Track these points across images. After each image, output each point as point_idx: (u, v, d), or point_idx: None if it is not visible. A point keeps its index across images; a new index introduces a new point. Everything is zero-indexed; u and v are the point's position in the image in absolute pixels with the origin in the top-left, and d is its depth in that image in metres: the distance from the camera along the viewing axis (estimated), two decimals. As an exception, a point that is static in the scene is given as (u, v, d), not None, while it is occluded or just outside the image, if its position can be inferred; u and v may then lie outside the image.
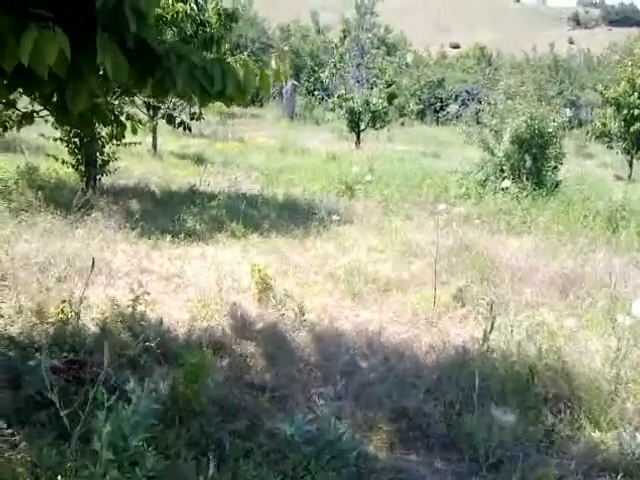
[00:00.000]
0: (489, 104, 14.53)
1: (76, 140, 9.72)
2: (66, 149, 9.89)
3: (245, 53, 13.37)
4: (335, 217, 8.67)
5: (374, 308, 5.66)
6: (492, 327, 4.09)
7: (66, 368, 3.73)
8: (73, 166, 9.95)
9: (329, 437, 3.17)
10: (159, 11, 8.08)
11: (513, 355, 4.49)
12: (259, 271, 5.82)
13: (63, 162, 9.85)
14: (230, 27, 9.50)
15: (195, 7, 8.72)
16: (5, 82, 2.56)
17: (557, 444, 3.60)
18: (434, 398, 3.99)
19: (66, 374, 3.66)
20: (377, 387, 4.03)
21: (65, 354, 4.06)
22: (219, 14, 9.38)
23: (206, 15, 9.37)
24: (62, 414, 2.71)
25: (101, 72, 2.64)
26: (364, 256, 7.22)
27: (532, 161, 12.35)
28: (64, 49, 2.19)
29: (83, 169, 9.95)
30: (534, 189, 11.41)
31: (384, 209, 9.85)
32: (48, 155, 10.33)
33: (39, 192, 8.76)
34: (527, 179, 11.84)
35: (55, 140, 9.78)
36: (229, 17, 9.52)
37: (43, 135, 9.61)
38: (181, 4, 8.36)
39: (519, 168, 12.25)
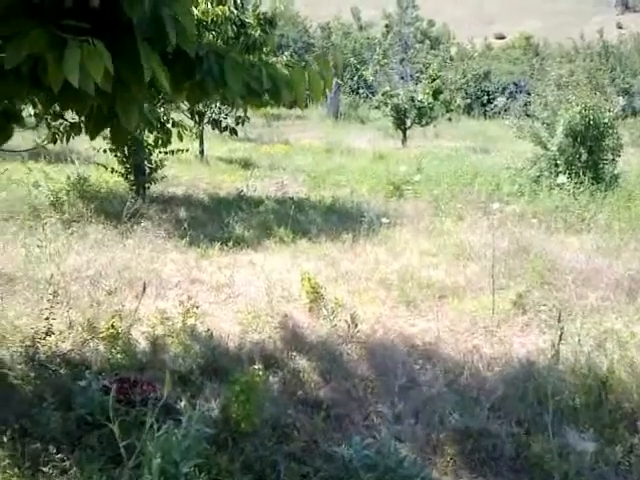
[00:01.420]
0: (539, 96, 14.04)
1: (124, 149, 9.77)
2: (115, 158, 9.97)
3: (287, 53, 13.30)
4: (384, 220, 8.46)
5: (430, 316, 5.44)
6: (561, 337, 3.82)
7: (117, 388, 3.65)
8: (122, 175, 10.02)
9: (390, 462, 2.99)
10: (199, 15, 8.01)
11: (582, 367, 4.21)
12: (309, 280, 5.67)
13: (112, 171, 9.94)
14: (270, 31, 9.38)
15: (235, 10, 8.61)
16: (47, 98, 2.47)
17: (637, 467, 3.33)
18: (499, 416, 3.76)
19: (117, 394, 3.57)
20: (437, 404, 3.82)
21: (116, 372, 4.00)
22: (258, 19, 9.28)
23: (246, 17, 9.28)
24: (120, 445, 2.61)
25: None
26: (416, 260, 6.99)
27: (588, 154, 11.84)
28: (107, 65, 2.08)
29: (132, 178, 10.01)
30: (591, 184, 10.93)
31: (435, 209, 9.58)
32: (98, 164, 10.44)
33: (90, 202, 8.84)
34: (583, 173, 11.35)
35: (105, 151, 9.87)
36: (268, 22, 9.41)
37: (94, 148, 9.69)
38: (220, 7, 8.27)
39: (574, 162, 11.75)
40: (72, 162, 11.28)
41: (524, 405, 3.81)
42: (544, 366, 4.18)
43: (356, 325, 4.95)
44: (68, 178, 9.84)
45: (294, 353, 4.53)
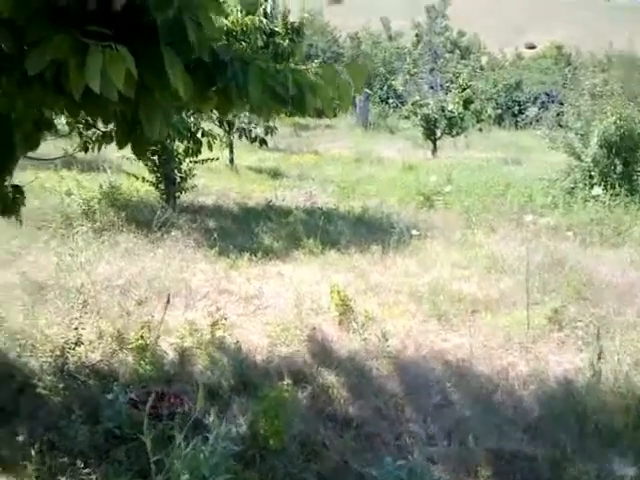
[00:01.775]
0: (572, 106, 13.80)
1: (154, 158, 9.84)
2: (146, 167, 10.03)
3: (317, 61, 13.30)
4: (414, 231, 8.34)
5: (462, 331, 5.31)
6: (600, 356, 3.69)
7: (144, 400, 3.62)
8: (153, 184, 10.08)
9: (422, 485, 2.90)
10: (228, 25, 8.04)
11: (621, 386, 4.06)
12: (338, 292, 5.60)
13: (143, 180, 10.00)
14: (298, 41, 9.41)
15: (264, 19, 8.64)
16: (72, 105, 2.44)
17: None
18: (535, 437, 3.63)
19: (144, 407, 3.54)
20: (471, 424, 3.71)
21: (144, 384, 3.97)
22: (286, 28, 9.31)
23: (275, 26, 9.32)
24: (151, 460, 2.57)
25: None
26: (447, 273, 6.87)
27: (623, 165, 11.59)
28: (130, 69, 2.04)
29: (162, 187, 10.06)
30: (626, 195, 10.69)
31: (466, 221, 9.43)
32: (129, 174, 10.52)
33: (121, 211, 8.90)
34: (619, 185, 11.10)
35: (136, 160, 9.93)
36: (296, 31, 9.43)
37: (125, 157, 9.76)
38: (250, 16, 8.29)
39: (609, 174, 11.51)
40: (104, 171, 11.40)
41: (561, 426, 3.68)
42: (582, 385, 4.04)
43: (386, 339, 4.86)
44: (100, 187, 9.93)
45: (323, 368, 4.45)
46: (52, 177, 10.73)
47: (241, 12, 8.80)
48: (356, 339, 5.02)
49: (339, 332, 5.22)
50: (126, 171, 10.77)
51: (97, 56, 1.97)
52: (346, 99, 3.09)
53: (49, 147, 5.66)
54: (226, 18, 8.64)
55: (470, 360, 4.66)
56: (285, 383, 4.04)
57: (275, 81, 2.76)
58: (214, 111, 9.17)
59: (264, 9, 10.70)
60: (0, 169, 3.03)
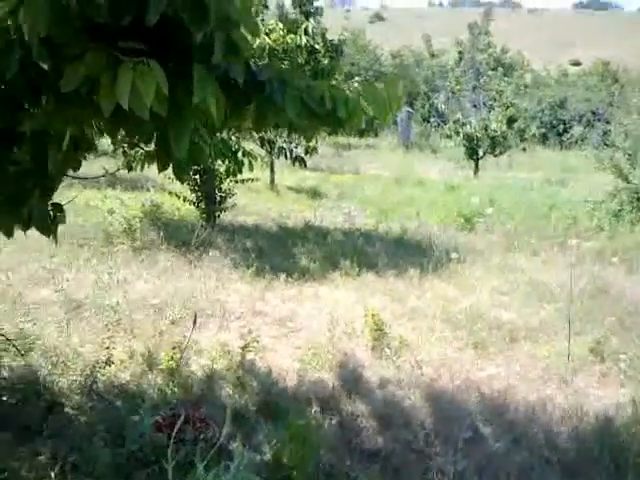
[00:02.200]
0: (620, 124, 13.45)
1: (196, 177, 9.96)
2: (188, 186, 10.15)
3: (357, 78, 13.35)
4: (454, 254, 8.20)
5: (499, 361, 5.16)
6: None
7: (169, 424, 3.60)
8: (193, 203, 10.19)
9: (450, 526, 2.78)
10: (270, 43, 8.10)
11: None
12: (373, 316, 5.52)
13: (184, 199, 10.12)
14: (337, 58, 9.46)
15: (305, 38, 8.70)
16: (107, 124, 2.44)
17: None
18: (573, 477, 3.46)
19: (169, 431, 3.51)
20: (504, 462, 3.56)
21: (171, 406, 3.95)
22: (326, 46, 9.37)
23: (316, 43, 9.38)
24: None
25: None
26: (487, 299, 6.71)
27: (673, 188, 11.21)
28: (161, 85, 2.03)
29: (203, 206, 10.17)
30: (676, 219, 10.32)
31: (507, 244, 9.22)
32: (171, 193, 10.67)
33: (161, 230, 9.01)
34: (669, 208, 10.74)
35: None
36: (335, 49, 9.48)
37: (168, 176, 9.88)
38: (292, 35, 8.36)
39: (659, 196, 11.15)
40: (147, 190, 11.60)
41: (600, 467, 3.50)
42: (623, 424, 3.84)
43: (420, 367, 4.76)
44: (142, 205, 10.10)
45: (353, 395, 4.36)
46: (97, 195, 10.98)
47: (283, 31, 8.89)
48: (389, 366, 4.92)
49: (372, 358, 5.13)
50: (168, 190, 10.93)
51: (127, 71, 1.97)
52: (384, 115, 3.02)
53: (96, 166, 5.78)
54: (268, 36, 8.75)
55: (506, 392, 4.51)
56: (313, 410, 3.98)
57: (311, 98, 2.73)
58: (253, 131, 9.29)
59: (305, 28, 10.82)
60: (39, 188, 3.06)
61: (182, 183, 9.35)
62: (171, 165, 2.90)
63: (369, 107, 2.88)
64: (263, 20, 9.75)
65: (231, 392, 4.31)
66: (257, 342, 4.77)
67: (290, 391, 4.39)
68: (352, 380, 4.60)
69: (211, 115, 2.37)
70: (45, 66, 2.17)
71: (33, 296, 5.99)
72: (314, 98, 2.73)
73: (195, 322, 4.28)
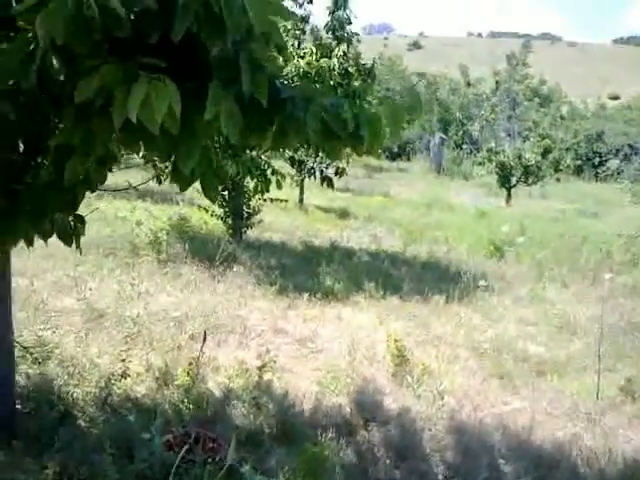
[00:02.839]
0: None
1: (225, 193, 9.97)
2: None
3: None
4: (482, 282, 8.03)
5: (524, 394, 4.97)
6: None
7: (180, 442, 3.50)
8: (221, 218, 10.19)
9: None
10: (304, 67, 8.11)
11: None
12: (395, 341, 5.38)
13: (212, 214, 10.13)
14: (371, 81, 9.44)
15: (337, 61, 8.71)
16: (123, 138, 2.39)
17: None
18: (599, 524, 3.28)
19: (179, 450, 3.42)
20: (526, 502, 3.39)
21: (184, 424, 3.86)
22: (359, 69, 9.37)
23: (349, 66, 9.37)
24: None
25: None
26: (514, 329, 6.52)
27: None
28: (173, 102, 1.97)
29: (230, 221, 10.16)
30: None
31: (537, 275, 9.00)
32: (199, 207, 10.70)
33: (187, 243, 9.00)
34: None
35: (206, 193, 10.07)
36: (367, 72, 9.48)
37: (197, 190, 9.91)
38: (325, 59, 8.36)
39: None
40: (177, 203, 11.66)
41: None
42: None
43: (442, 398, 4.60)
44: (170, 218, 10.14)
45: (371, 423, 4.22)
46: (126, 206, 11.05)
47: (316, 54, 8.92)
48: (410, 394, 4.77)
49: (392, 385, 4.98)
50: (197, 204, 10.96)
51: (142, 86, 1.92)
52: (397, 123, 2.93)
53: (126, 177, 5.79)
54: (302, 58, 8.78)
55: (531, 428, 4.32)
56: (329, 436, 3.86)
57: (333, 117, 2.66)
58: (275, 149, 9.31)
59: (343, 51, 10.85)
60: (63, 201, 3.03)
61: (213, 202, 9.40)
62: (200, 183, 2.85)
63: (389, 124, 2.81)
64: (300, 44, 9.80)
65: (246, 412, 4.20)
66: (275, 362, 4.66)
67: (306, 415, 4.27)
68: (371, 407, 4.46)
69: (229, 133, 2.32)
70: (62, 77, 2.13)
71: (56, 303, 5.97)
72: (336, 116, 2.66)
73: (205, 340, 4.22)
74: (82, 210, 3.20)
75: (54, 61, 2.06)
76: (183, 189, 2.69)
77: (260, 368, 4.49)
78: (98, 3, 1.92)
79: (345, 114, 2.64)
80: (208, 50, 2.17)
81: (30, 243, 3.12)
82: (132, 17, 2.08)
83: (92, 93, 2.01)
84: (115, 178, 3.73)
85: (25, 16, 1.98)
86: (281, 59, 3.72)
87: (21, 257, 6.67)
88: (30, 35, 2.04)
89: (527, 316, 7.07)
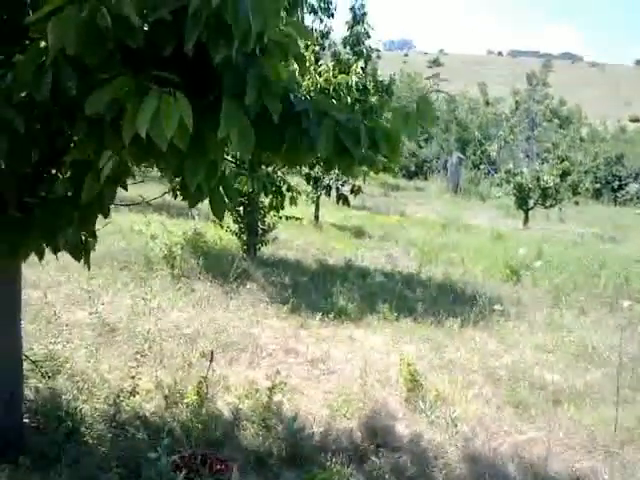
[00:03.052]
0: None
1: (240, 209, 9.96)
2: (231, 217, 10.15)
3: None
4: (497, 306, 7.91)
5: (540, 424, 4.84)
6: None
7: (187, 464, 3.44)
8: (235, 234, 10.18)
9: None
10: (322, 83, 8.11)
11: None
12: (408, 365, 5.28)
13: (227, 229, 10.12)
14: (388, 97, 9.44)
15: (355, 78, 8.70)
16: (133, 153, 2.37)
17: None
18: None
19: (186, 472, 3.36)
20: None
21: (191, 445, 3.80)
22: (376, 85, 9.36)
23: (368, 82, 9.38)
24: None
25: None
26: (530, 356, 6.39)
27: None
28: (185, 118, 1.94)
29: (245, 237, 10.14)
30: None
31: (554, 300, 8.85)
32: (214, 222, 10.69)
33: (201, 258, 8.98)
34: None
35: (221, 209, 10.09)
36: (385, 88, 9.47)
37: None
38: (343, 76, 8.35)
39: None
40: (192, 217, 11.66)
41: None
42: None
43: (456, 425, 4.50)
44: (184, 233, 10.14)
45: (382, 449, 4.13)
46: (142, 220, 11.06)
47: (334, 70, 8.92)
48: (422, 420, 4.67)
49: (405, 410, 4.88)
50: (212, 219, 10.95)
51: (152, 100, 1.89)
52: (411, 130, 2.88)
53: (142, 190, 5.79)
54: (320, 76, 8.78)
55: (546, 459, 4.20)
56: (338, 461, 3.78)
57: (347, 132, 2.62)
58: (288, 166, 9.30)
59: (361, 67, 10.84)
60: (77, 217, 3.01)
61: (220, 220, 9.38)
62: (209, 202, 2.81)
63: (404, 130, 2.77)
64: (319, 60, 9.82)
65: (255, 434, 4.13)
66: (285, 384, 4.59)
67: (316, 438, 4.18)
68: (382, 432, 4.36)
69: (241, 151, 2.29)
70: (74, 89, 2.11)
71: (68, 317, 5.97)
72: (350, 132, 2.62)
73: (212, 360, 4.18)
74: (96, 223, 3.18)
75: (66, 72, 2.05)
76: (191, 205, 2.67)
77: (270, 389, 4.42)
78: (112, 13, 1.90)
79: (360, 129, 2.60)
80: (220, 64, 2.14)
81: (41, 256, 3.11)
82: (146, 28, 2.06)
83: (103, 106, 1.99)
84: (131, 191, 3.71)
85: (38, 26, 1.97)
86: (298, 71, 3.70)
87: (35, 269, 6.71)
88: (43, 46, 2.03)
89: (544, 343, 6.93)
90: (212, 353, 4.30)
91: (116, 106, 1.99)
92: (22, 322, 5.20)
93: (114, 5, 1.91)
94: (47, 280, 6.86)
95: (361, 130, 2.57)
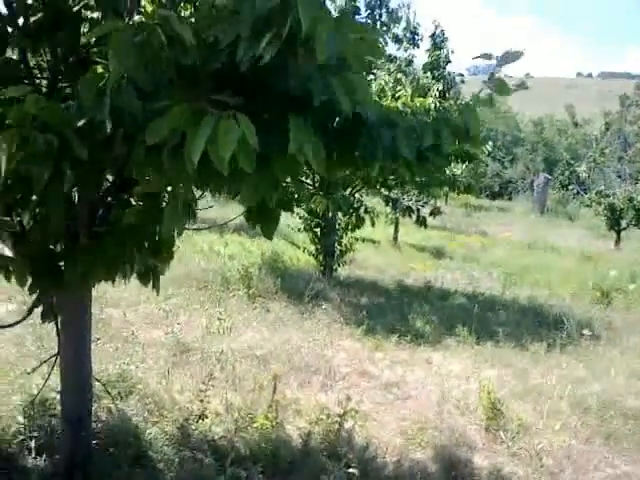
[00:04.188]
0: None
1: (317, 230, 9.95)
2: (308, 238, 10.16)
3: (490, 143, 13.01)
4: (586, 331, 7.44)
5: (635, 457, 4.44)
6: None
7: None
8: (312, 255, 10.16)
9: None
10: (399, 107, 7.98)
11: None
12: (489, 392, 4.99)
13: (304, 250, 10.12)
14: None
15: (434, 101, 8.54)
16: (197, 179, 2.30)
17: None
18: None
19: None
20: None
21: (260, 471, 3.70)
22: (458, 106, 9.14)
23: (448, 106, 9.17)
24: None
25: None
26: (622, 384, 5.92)
27: None
28: (248, 138, 1.85)
29: (321, 258, 10.10)
30: None
31: (650, 325, 8.25)
32: (293, 243, 10.73)
33: (278, 279, 8.98)
34: None
35: (299, 230, 10.13)
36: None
37: (290, 227, 10.03)
38: (420, 99, 8.21)
39: None
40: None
41: None
42: None
43: (540, 458, 4.18)
44: (263, 253, 10.21)
45: (459, 482, 3.89)
46: (220, 240, 11.27)
47: (412, 94, 8.82)
48: (503, 451, 4.38)
49: (484, 440, 4.60)
50: (290, 240, 10.98)
51: (207, 125, 1.82)
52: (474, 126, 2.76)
53: (223, 211, 5.84)
54: (397, 100, 8.68)
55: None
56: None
57: (409, 138, 2.51)
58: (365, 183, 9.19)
59: (439, 90, 10.65)
60: (148, 247, 3.02)
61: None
62: (259, 224, 2.73)
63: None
64: (397, 86, 9.73)
65: (324, 462, 3.98)
66: (356, 412, 4.42)
67: (389, 469, 3.99)
68: (460, 464, 4.11)
69: (314, 164, 2.18)
70: (139, 114, 2.08)
71: (145, 336, 6.05)
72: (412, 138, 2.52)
73: (275, 388, 4.08)
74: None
75: (126, 96, 2.02)
76: (251, 227, 2.59)
77: (342, 415, 4.26)
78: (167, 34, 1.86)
79: (424, 131, 2.50)
80: (282, 79, 2.06)
81: (112, 281, 3.11)
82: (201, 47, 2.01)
83: (163, 135, 1.93)
84: (212, 212, 3.74)
85: (98, 48, 1.96)
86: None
87: (117, 288, 6.87)
88: (102, 70, 2.01)
89: (638, 370, 6.42)
90: (275, 379, 4.20)
91: (177, 134, 1.93)
92: (99, 341, 5.37)
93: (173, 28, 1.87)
94: (128, 299, 7.01)
95: (429, 131, 2.46)
